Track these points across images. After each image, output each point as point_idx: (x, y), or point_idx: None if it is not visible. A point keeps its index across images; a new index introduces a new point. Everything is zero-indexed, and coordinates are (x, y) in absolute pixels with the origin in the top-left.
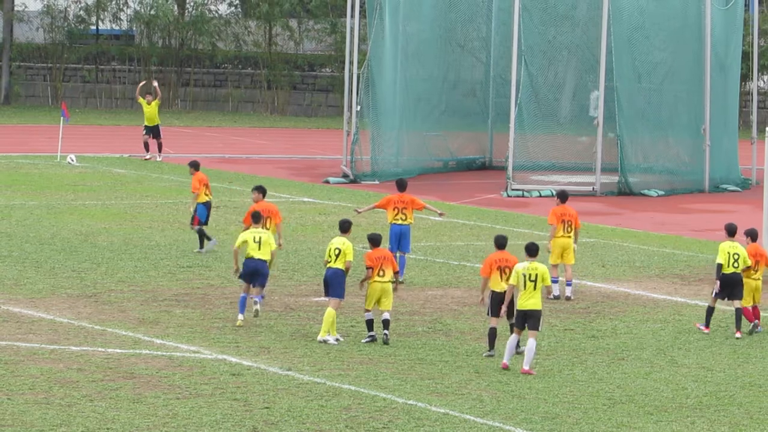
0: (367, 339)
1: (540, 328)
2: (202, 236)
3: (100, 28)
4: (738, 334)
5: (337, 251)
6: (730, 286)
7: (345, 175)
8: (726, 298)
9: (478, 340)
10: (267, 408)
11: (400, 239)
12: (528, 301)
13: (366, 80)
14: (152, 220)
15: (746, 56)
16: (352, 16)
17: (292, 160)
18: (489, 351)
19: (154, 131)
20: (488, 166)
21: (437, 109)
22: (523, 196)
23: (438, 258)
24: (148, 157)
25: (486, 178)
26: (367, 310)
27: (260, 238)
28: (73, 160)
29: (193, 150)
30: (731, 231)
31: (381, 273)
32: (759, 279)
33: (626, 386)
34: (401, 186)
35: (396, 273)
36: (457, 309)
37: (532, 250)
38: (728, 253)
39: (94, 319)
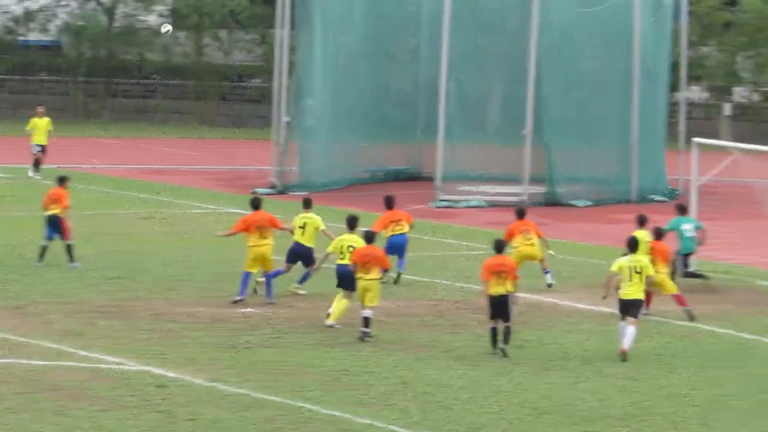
0: (360, 334)
1: (639, 317)
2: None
3: (28, 38)
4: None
5: (350, 248)
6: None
7: (273, 186)
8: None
9: (404, 351)
10: (192, 420)
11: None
12: (630, 290)
13: (295, 91)
14: (78, 231)
15: (674, 67)
16: (282, 27)
17: (221, 171)
18: (493, 350)
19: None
20: (417, 177)
21: (366, 119)
22: (451, 207)
23: None
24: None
25: (414, 189)
26: (363, 308)
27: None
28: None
29: (121, 161)
30: (641, 221)
31: (364, 271)
32: (660, 272)
33: (552, 396)
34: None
35: (386, 271)
36: (383, 320)
37: (632, 246)
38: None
39: (18, 331)
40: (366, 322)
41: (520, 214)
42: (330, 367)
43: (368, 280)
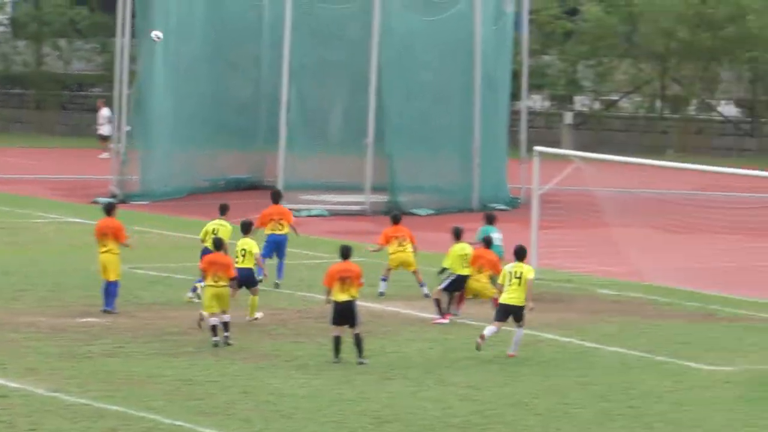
0: (213, 343)
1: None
2: None
3: None
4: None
5: (243, 252)
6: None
7: (114, 195)
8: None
9: (246, 360)
10: (33, 430)
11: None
12: (510, 296)
13: (136, 100)
14: None
15: (516, 76)
16: (123, 36)
17: (61, 181)
18: (335, 358)
19: None
20: (258, 186)
21: (208, 128)
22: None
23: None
24: None
25: (256, 198)
26: (210, 315)
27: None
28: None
29: None
30: (457, 234)
31: (215, 279)
32: (480, 281)
33: (394, 405)
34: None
35: (234, 279)
36: None
37: (520, 254)
38: (459, 255)
39: None
40: (226, 326)
41: (395, 219)
42: (172, 376)
43: (220, 287)
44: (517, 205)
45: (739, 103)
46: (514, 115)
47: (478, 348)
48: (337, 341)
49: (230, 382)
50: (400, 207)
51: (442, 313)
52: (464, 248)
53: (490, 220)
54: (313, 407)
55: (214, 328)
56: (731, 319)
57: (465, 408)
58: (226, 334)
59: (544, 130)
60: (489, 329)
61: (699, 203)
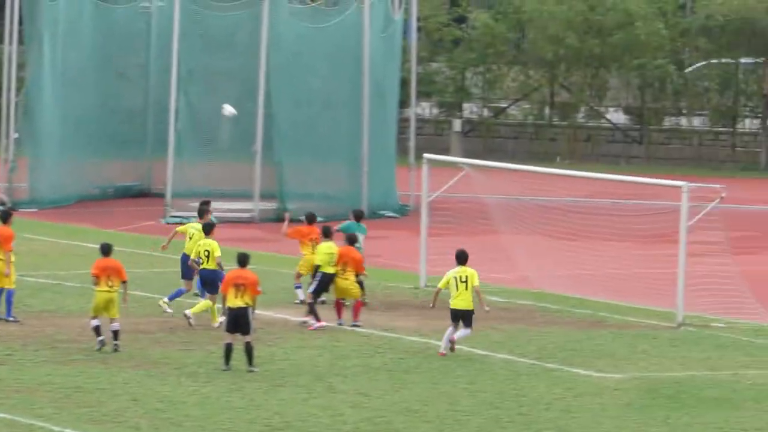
0: (98, 345)
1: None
2: None
3: None
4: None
5: (206, 252)
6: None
7: (2, 203)
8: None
9: (135, 368)
10: None
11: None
12: (458, 300)
13: (24, 107)
14: None
15: (404, 83)
16: (10, 43)
17: None
18: (225, 365)
19: None
20: (147, 194)
21: (96, 136)
22: (181, 223)
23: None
24: None
25: (145, 206)
26: (94, 317)
27: None
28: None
29: None
30: (326, 233)
31: (110, 284)
32: (347, 279)
33: (284, 412)
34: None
35: (124, 282)
36: None
37: (461, 258)
38: (326, 254)
39: None
40: (115, 335)
41: (310, 219)
42: (61, 384)
43: (113, 292)
44: (406, 212)
45: (627, 111)
46: (403, 122)
47: (452, 350)
48: (228, 348)
49: (120, 389)
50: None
51: (318, 318)
52: (331, 247)
53: (357, 217)
54: (203, 415)
55: (97, 329)
56: (620, 326)
57: (355, 415)
58: (115, 342)
59: (433, 137)
60: (449, 332)
61: (588, 210)
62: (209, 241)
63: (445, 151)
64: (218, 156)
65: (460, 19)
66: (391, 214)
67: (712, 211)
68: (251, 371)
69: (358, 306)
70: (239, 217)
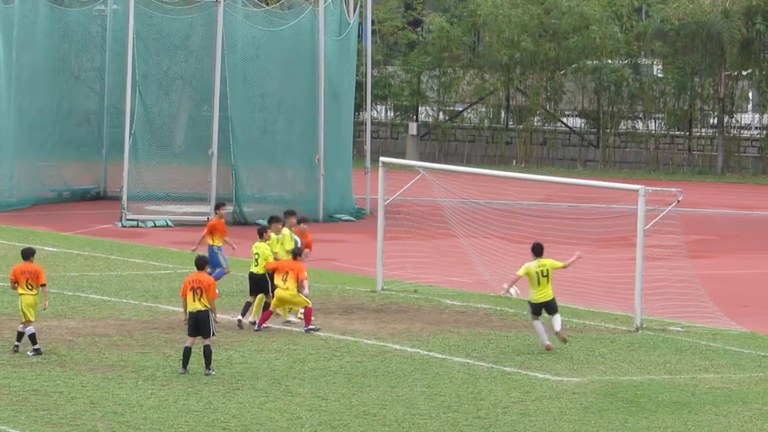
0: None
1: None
2: None
3: None
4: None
5: (256, 255)
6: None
7: None
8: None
9: (92, 371)
10: None
11: None
12: (540, 293)
13: None
14: None
15: (360, 86)
16: None
17: None
18: (182, 369)
19: None
20: (103, 197)
21: (51, 139)
22: (138, 226)
23: (52, 289)
24: None
25: (100, 209)
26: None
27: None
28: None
29: None
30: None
31: (29, 287)
32: (290, 288)
33: (241, 416)
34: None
35: (44, 285)
36: (71, 339)
37: (537, 250)
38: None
39: None
40: (33, 338)
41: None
42: (19, 387)
43: (33, 295)
44: (362, 215)
45: (583, 114)
46: (359, 125)
47: (565, 341)
48: (187, 352)
49: (77, 392)
50: (246, 217)
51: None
52: (258, 247)
53: (276, 220)
54: (160, 418)
55: (20, 335)
56: (579, 329)
57: (313, 418)
58: (36, 347)
59: (389, 140)
60: (538, 326)
61: (544, 214)
62: (260, 244)
63: (401, 154)
64: (174, 159)
65: (416, 23)
66: (347, 217)
67: (669, 215)
68: (208, 374)
69: (308, 312)
70: (195, 220)
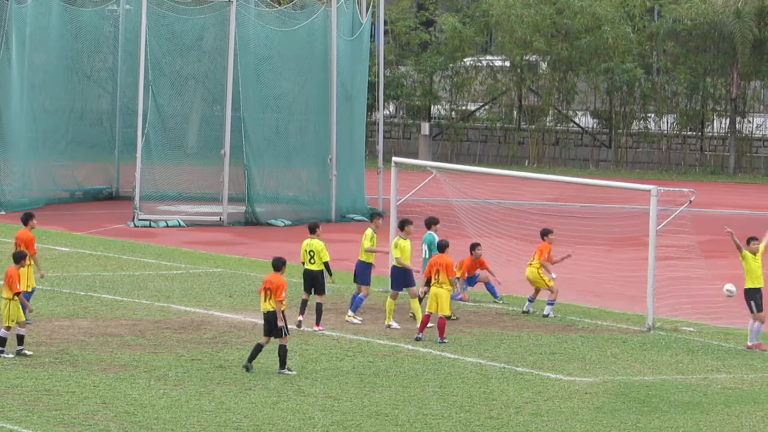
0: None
1: None
2: None
3: None
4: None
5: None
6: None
7: None
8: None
9: (105, 371)
10: None
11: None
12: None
13: None
14: None
15: (372, 86)
16: None
17: None
18: (247, 362)
19: None
20: (115, 197)
21: (64, 139)
22: (150, 226)
23: (64, 288)
24: None
25: (113, 209)
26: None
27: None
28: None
29: None
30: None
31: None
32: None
33: (254, 416)
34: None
35: (18, 294)
36: (84, 339)
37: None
38: (304, 250)
39: None
40: (20, 339)
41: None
42: (31, 387)
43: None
44: None
45: (595, 114)
46: (371, 125)
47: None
48: (257, 348)
49: (89, 392)
50: (258, 217)
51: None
52: (309, 244)
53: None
54: (172, 418)
55: (2, 341)
56: (590, 330)
57: (325, 419)
58: (19, 348)
59: (401, 140)
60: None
61: (557, 214)
62: (313, 240)
63: (414, 154)
64: (187, 159)
65: (428, 23)
66: (359, 217)
67: (681, 215)
68: (281, 372)
69: (441, 323)
70: (207, 220)
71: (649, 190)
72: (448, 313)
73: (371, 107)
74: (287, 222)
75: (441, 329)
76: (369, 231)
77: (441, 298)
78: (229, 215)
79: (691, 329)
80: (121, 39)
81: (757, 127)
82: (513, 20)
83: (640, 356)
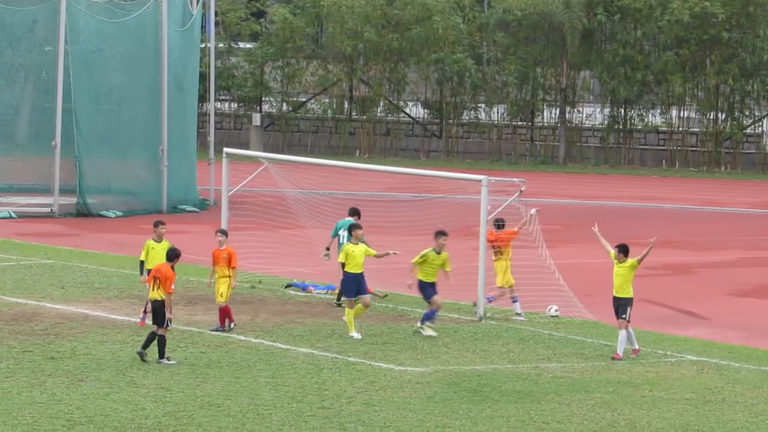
0: None
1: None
2: None
3: None
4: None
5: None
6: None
7: None
8: None
9: None
10: None
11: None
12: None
13: None
14: None
15: (203, 78)
16: None
17: None
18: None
19: None
20: None
21: None
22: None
23: None
24: None
25: None
26: None
27: None
28: None
29: None
30: None
31: None
32: None
33: (86, 407)
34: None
35: None
36: None
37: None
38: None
39: None
40: None
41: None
42: None
43: None
44: (206, 206)
45: (426, 105)
46: (203, 116)
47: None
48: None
49: None
50: (89, 209)
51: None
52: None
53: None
54: (4, 410)
55: None
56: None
57: (157, 409)
58: None
59: (233, 131)
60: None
61: (387, 204)
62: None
63: (245, 145)
64: (17, 150)
65: (259, 14)
66: (191, 208)
67: (512, 205)
68: (161, 362)
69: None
70: (39, 212)
71: (480, 180)
72: None
73: (203, 98)
74: (119, 213)
75: (225, 316)
76: (427, 251)
77: None
78: (60, 206)
79: (522, 318)
80: None
81: (586, 117)
82: (344, 11)
83: (472, 346)
